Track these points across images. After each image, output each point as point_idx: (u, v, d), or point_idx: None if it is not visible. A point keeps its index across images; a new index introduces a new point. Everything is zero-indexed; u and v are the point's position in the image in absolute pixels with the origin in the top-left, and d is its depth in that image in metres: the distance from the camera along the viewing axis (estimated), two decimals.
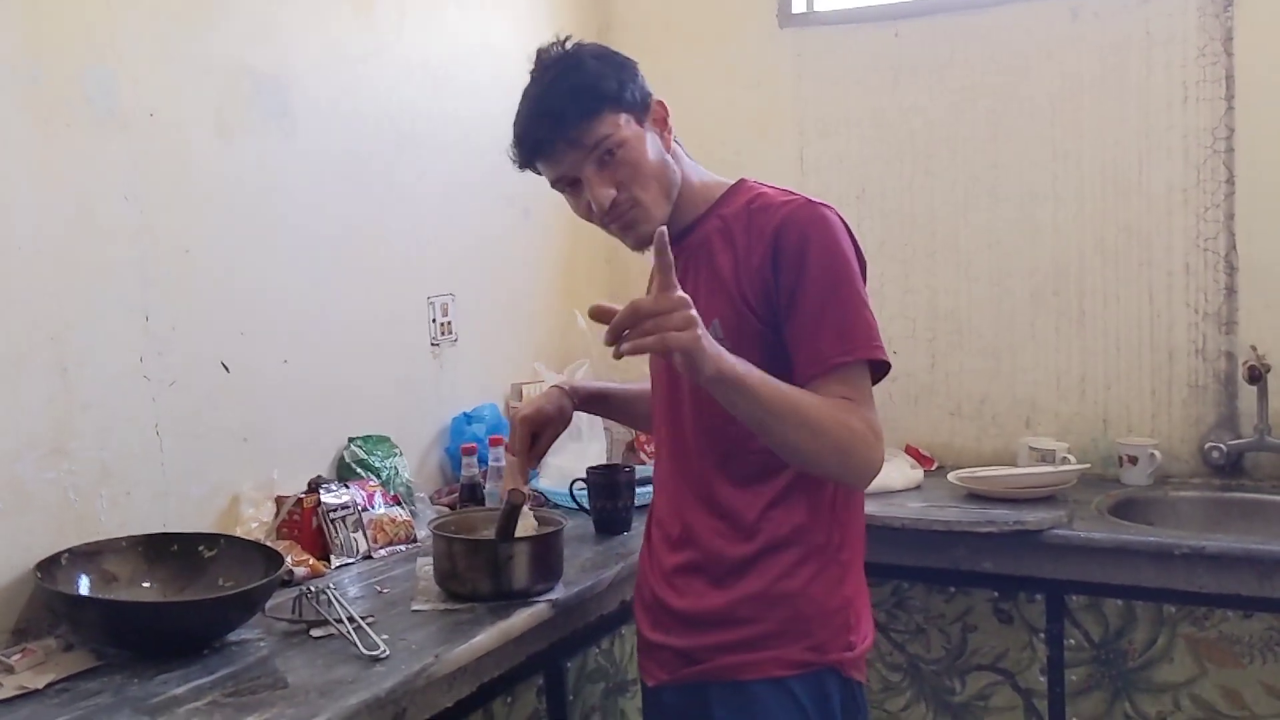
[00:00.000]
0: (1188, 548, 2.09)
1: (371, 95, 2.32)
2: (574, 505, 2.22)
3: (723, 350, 1.32)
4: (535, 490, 2.34)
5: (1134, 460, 2.53)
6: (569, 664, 1.89)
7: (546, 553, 1.78)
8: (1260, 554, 2.05)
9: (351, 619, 1.62)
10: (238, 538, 1.85)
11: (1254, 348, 2.47)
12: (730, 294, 1.47)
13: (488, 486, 2.24)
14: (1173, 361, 2.60)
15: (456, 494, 2.30)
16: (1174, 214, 2.57)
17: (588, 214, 1.52)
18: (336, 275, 2.23)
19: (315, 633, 1.61)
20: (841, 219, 1.48)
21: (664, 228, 1.31)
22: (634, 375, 2.78)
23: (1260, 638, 2.08)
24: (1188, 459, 2.59)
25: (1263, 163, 2.49)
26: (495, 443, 2.31)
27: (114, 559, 1.71)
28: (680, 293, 1.27)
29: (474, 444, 2.27)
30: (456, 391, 2.56)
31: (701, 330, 1.26)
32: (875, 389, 1.46)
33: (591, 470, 2.20)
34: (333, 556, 1.98)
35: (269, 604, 1.65)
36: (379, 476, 2.19)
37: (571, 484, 2.22)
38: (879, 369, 1.46)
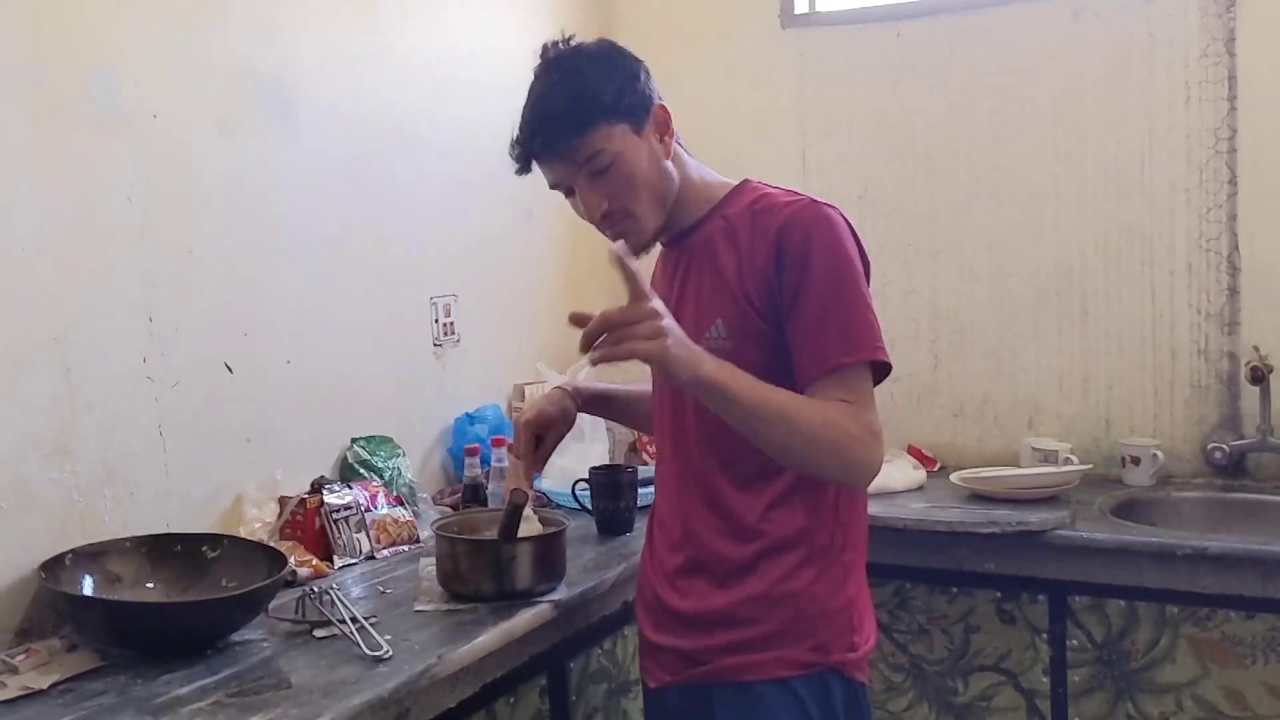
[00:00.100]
0: (1190, 548, 2.09)
1: (373, 96, 2.32)
2: (576, 506, 2.22)
3: (702, 356, 1.33)
4: (538, 491, 2.34)
5: (1136, 461, 2.53)
6: (572, 664, 1.89)
7: (549, 553, 1.78)
8: (1263, 554, 2.05)
9: (354, 619, 1.62)
10: (241, 538, 1.85)
11: (1256, 348, 2.47)
12: (734, 293, 1.47)
13: (490, 487, 2.24)
14: (1175, 362, 2.60)
15: (459, 494, 2.30)
16: (1176, 214, 2.57)
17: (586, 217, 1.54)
18: (339, 276, 2.23)
19: (318, 633, 1.61)
20: (846, 220, 1.48)
21: (623, 243, 1.34)
22: (635, 375, 2.78)
23: (1263, 638, 2.08)
24: (1190, 459, 2.59)
25: (1265, 163, 2.49)
26: (498, 443, 2.31)
27: (117, 559, 1.71)
28: (651, 303, 1.29)
29: (476, 445, 2.27)
30: (459, 392, 2.56)
31: (672, 339, 1.29)
32: (877, 390, 1.46)
33: (594, 471, 2.20)
34: (336, 557, 1.98)
35: (272, 604, 1.65)
36: (382, 477, 2.19)
37: (574, 484, 2.22)
38: (881, 370, 1.46)
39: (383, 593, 1.83)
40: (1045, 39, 2.66)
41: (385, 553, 2.04)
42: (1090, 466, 2.52)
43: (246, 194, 2.03)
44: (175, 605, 1.66)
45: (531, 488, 1.70)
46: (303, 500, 2.01)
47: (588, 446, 2.45)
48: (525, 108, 1.50)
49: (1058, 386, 2.71)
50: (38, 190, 1.68)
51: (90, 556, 1.68)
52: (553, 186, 1.54)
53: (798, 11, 2.94)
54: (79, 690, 1.45)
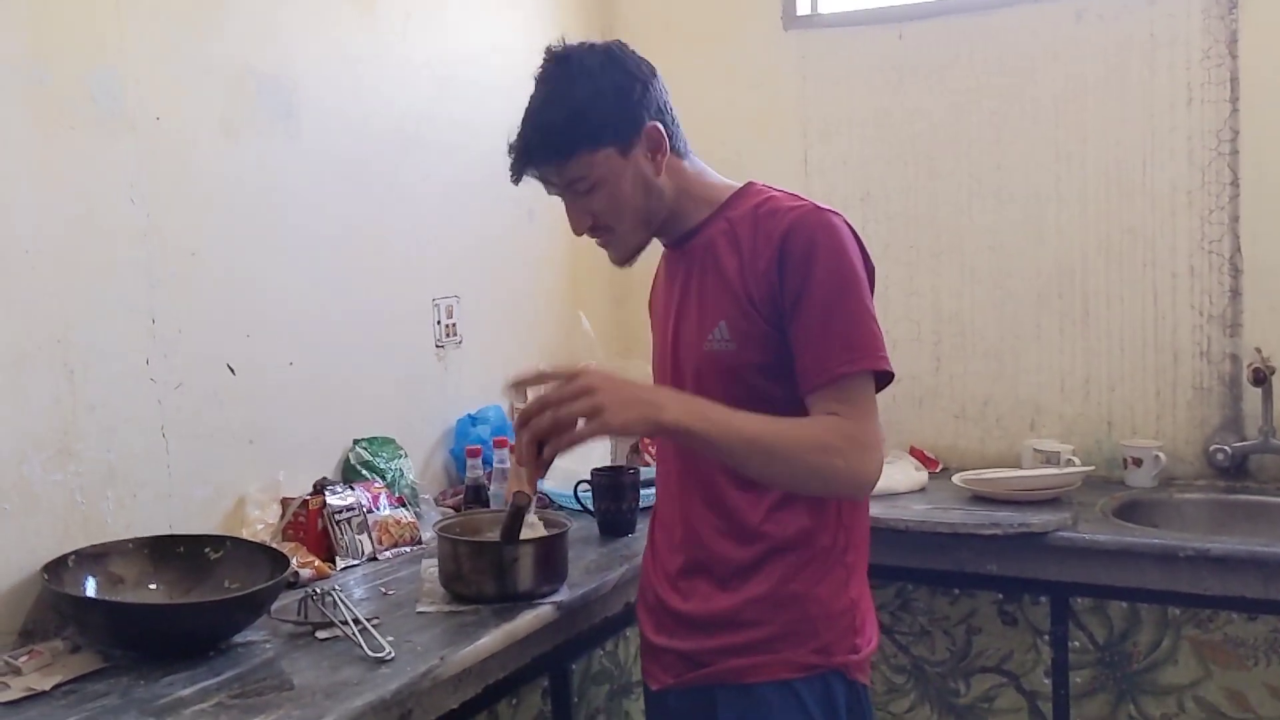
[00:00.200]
0: (1192, 550, 2.09)
1: (375, 96, 2.32)
2: (578, 507, 2.22)
3: (663, 405, 1.36)
4: (540, 492, 2.34)
5: (1138, 462, 2.53)
6: (574, 666, 1.89)
7: (551, 555, 1.78)
8: (1265, 556, 2.05)
9: (357, 621, 1.62)
10: (243, 539, 1.85)
11: (1259, 350, 2.47)
12: (737, 296, 1.47)
13: (492, 488, 2.24)
14: (1177, 363, 2.60)
15: (461, 496, 2.30)
16: (1178, 216, 2.57)
17: None
18: (341, 277, 2.23)
19: (321, 634, 1.61)
20: (849, 226, 1.48)
21: (515, 376, 1.45)
22: (639, 376, 2.78)
23: (1265, 640, 2.08)
24: (1192, 461, 2.59)
25: (1267, 165, 2.49)
26: (500, 444, 2.31)
27: (120, 561, 1.71)
28: (579, 380, 1.33)
29: (479, 446, 2.27)
30: (461, 393, 2.56)
31: (612, 408, 1.32)
32: (878, 393, 1.46)
33: (596, 472, 2.20)
34: (338, 558, 1.98)
35: (274, 606, 1.65)
36: (384, 478, 2.20)
37: (576, 486, 2.22)
38: (884, 378, 1.46)
39: (385, 594, 1.83)
40: (1047, 40, 2.66)
41: (387, 554, 2.05)
42: (1092, 468, 2.52)
43: (248, 195, 2.03)
44: (178, 607, 1.66)
45: (534, 491, 1.70)
46: (305, 501, 2.01)
47: (589, 448, 2.45)
48: (522, 118, 1.51)
49: (1059, 388, 2.71)
50: (39, 191, 1.68)
51: (93, 558, 1.68)
52: (550, 193, 1.56)
53: (800, 13, 2.94)
54: (82, 691, 1.45)
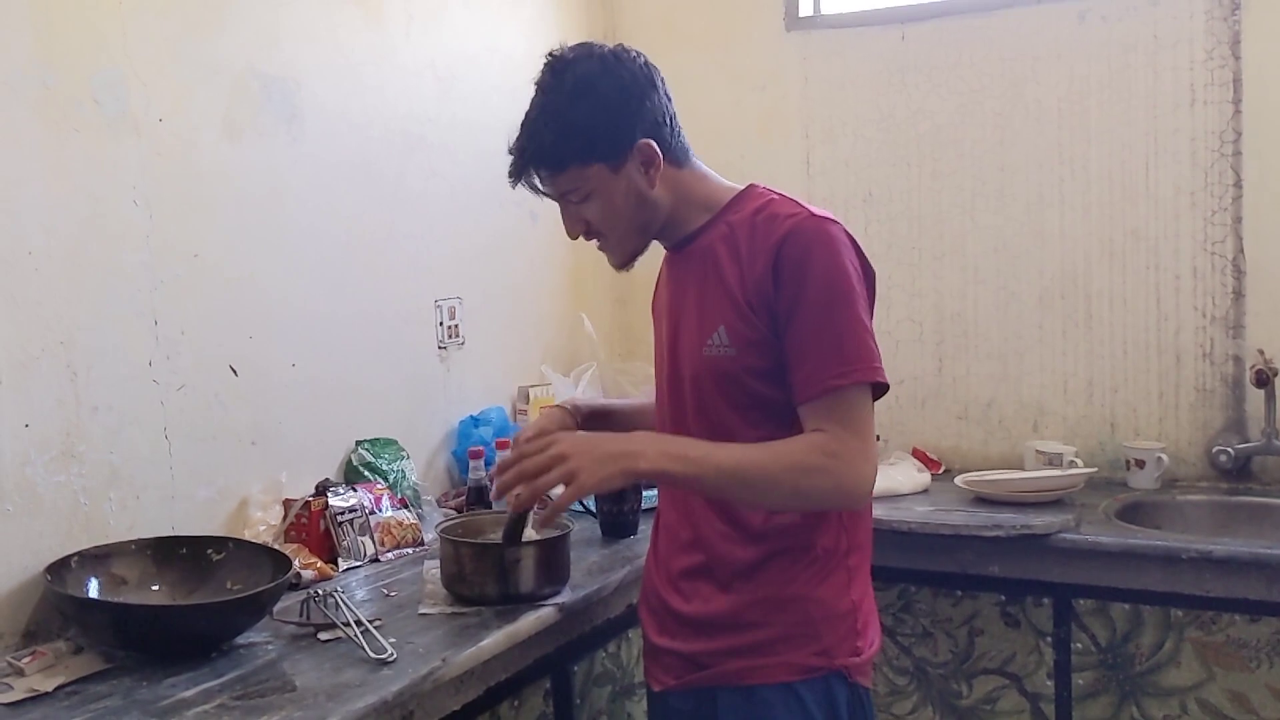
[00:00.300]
0: (1195, 552, 2.09)
1: (378, 98, 2.33)
2: (580, 509, 2.22)
3: (638, 452, 1.39)
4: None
5: (1141, 464, 2.53)
6: (576, 667, 1.89)
7: (553, 556, 1.78)
8: (1268, 558, 2.05)
9: (359, 622, 1.62)
10: (246, 541, 1.86)
11: (1261, 351, 2.46)
12: (736, 301, 1.47)
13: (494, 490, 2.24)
14: (1180, 365, 2.59)
15: (464, 497, 2.30)
16: (1181, 217, 2.57)
17: None
18: (344, 278, 2.24)
19: (323, 636, 1.61)
20: (848, 235, 1.48)
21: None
22: (641, 377, 2.79)
23: (1267, 642, 2.08)
24: (1195, 462, 2.58)
25: (1270, 166, 2.49)
26: (502, 446, 2.31)
27: (123, 562, 1.71)
28: (552, 449, 1.38)
29: (481, 447, 2.27)
30: (464, 394, 2.56)
31: (587, 470, 1.36)
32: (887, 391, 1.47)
33: None
34: (340, 559, 1.99)
35: (277, 607, 1.66)
36: (386, 479, 2.20)
37: None
38: (879, 387, 1.46)
39: (387, 595, 1.83)
40: (1050, 41, 2.66)
41: (390, 555, 2.05)
42: (1095, 470, 2.52)
43: (251, 196, 2.03)
44: (180, 608, 1.66)
45: None
46: (307, 503, 2.01)
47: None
48: (520, 124, 1.53)
49: (1062, 389, 2.71)
50: (44, 193, 1.68)
51: (96, 559, 1.69)
52: (546, 198, 1.58)
53: (802, 14, 2.94)
54: (84, 693, 1.45)
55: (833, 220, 1.47)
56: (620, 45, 1.54)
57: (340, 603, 1.68)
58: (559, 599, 1.77)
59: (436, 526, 1.92)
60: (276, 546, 1.88)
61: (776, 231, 1.45)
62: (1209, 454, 2.54)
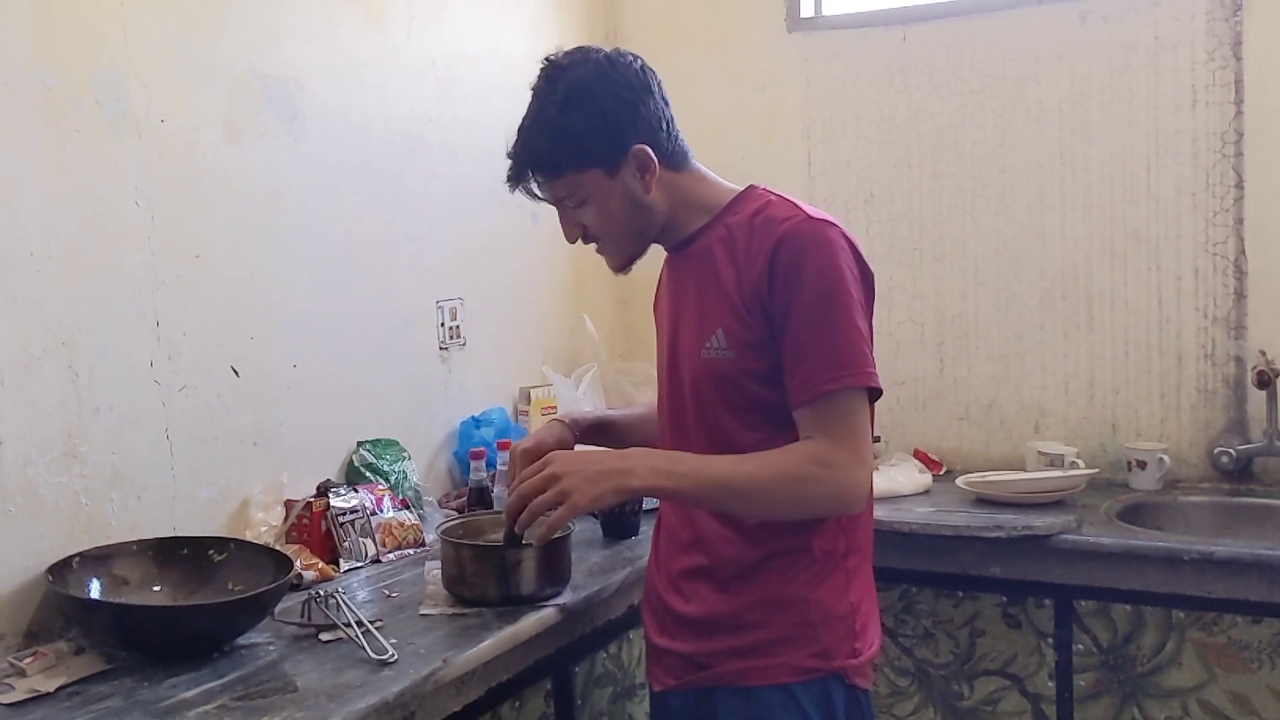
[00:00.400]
0: (1196, 553, 2.09)
1: (379, 99, 2.33)
2: None
3: (630, 469, 1.42)
4: None
5: (1143, 465, 2.53)
6: (577, 668, 1.89)
7: (555, 557, 1.78)
8: (1269, 559, 2.05)
9: (360, 623, 1.62)
10: (247, 541, 1.86)
11: (1263, 352, 2.46)
12: (733, 304, 1.47)
13: (496, 490, 2.24)
14: (1181, 366, 2.59)
15: (465, 498, 2.30)
16: (1182, 218, 2.57)
17: None
18: (345, 279, 2.24)
19: (324, 637, 1.61)
20: (846, 238, 1.47)
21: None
22: (642, 378, 2.79)
23: (1269, 643, 2.08)
24: (1196, 464, 2.58)
25: (1271, 167, 2.49)
26: (503, 446, 2.31)
27: (124, 562, 1.71)
28: (545, 470, 1.42)
29: (482, 448, 2.27)
30: (465, 395, 2.56)
31: (578, 490, 1.40)
32: (882, 394, 1.47)
33: None
34: (341, 560, 1.99)
35: (278, 608, 1.66)
36: (388, 480, 2.20)
37: None
38: (874, 391, 1.45)
39: (388, 596, 1.83)
40: (1051, 42, 2.66)
41: (391, 556, 2.05)
42: (1096, 470, 2.52)
43: (252, 197, 2.03)
44: (182, 608, 1.66)
45: None
46: (309, 504, 2.01)
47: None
48: (516, 131, 1.53)
49: (1064, 390, 2.71)
50: (45, 194, 1.69)
51: (97, 560, 1.69)
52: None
53: (803, 15, 2.94)
54: (86, 693, 1.45)
55: (830, 223, 1.46)
56: (616, 49, 1.54)
57: (341, 603, 1.68)
58: (560, 600, 1.77)
59: (437, 528, 1.92)
60: (278, 547, 1.88)
61: (773, 234, 1.45)
62: (1210, 455, 2.54)
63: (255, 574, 1.71)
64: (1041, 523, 2.22)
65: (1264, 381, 2.43)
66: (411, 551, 2.08)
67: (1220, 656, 2.11)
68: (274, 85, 2.07)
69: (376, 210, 2.32)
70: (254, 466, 2.03)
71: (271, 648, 1.60)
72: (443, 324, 2.51)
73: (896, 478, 2.51)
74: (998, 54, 2.71)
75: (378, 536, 2.05)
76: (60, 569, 1.63)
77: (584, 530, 2.13)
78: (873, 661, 1.54)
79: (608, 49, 1.54)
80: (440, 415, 2.50)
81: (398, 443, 2.31)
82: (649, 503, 2.16)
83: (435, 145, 2.47)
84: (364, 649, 1.54)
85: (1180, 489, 2.54)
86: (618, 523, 2.16)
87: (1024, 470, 2.60)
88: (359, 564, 2.00)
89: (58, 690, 1.46)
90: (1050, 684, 2.26)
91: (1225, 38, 2.50)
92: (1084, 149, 2.65)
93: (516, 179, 1.54)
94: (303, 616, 1.66)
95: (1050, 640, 2.25)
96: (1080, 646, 2.22)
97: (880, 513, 1.90)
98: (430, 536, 2.11)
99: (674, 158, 1.53)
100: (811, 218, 1.46)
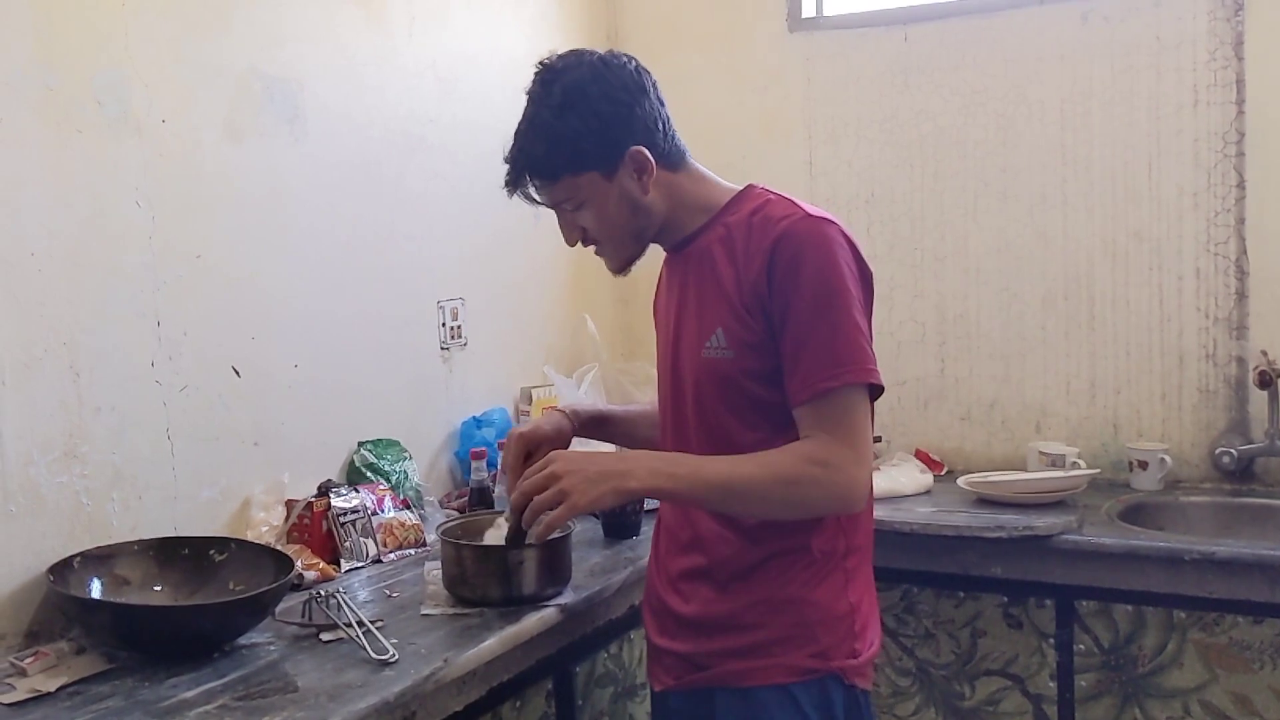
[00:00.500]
0: (1198, 553, 2.08)
1: (380, 99, 2.33)
2: None
3: (629, 471, 1.43)
4: None
5: (1144, 465, 2.53)
6: (578, 668, 1.89)
7: (555, 558, 1.78)
8: (1271, 559, 2.04)
9: (361, 623, 1.62)
10: (248, 541, 1.86)
11: (1264, 353, 2.46)
12: (733, 304, 1.47)
13: (497, 490, 2.24)
14: (1183, 366, 2.59)
15: (466, 498, 2.30)
16: (1184, 218, 2.57)
17: None
18: (346, 279, 2.24)
19: (325, 636, 1.61)
20: (845, 235, 1.47)
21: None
22: (643, 378, 2.79)
23: (1270, 643, 2.08)
24: (1198, 464, 2.58)
25: (1273, 167, 2.48)
26: (504, 447, 2.30)
27: (125, 562, 1.71)
28: (546, 469, 1.43)
29: (484, 448, 2.27)
30: (466, 395, 2.56)
31: (577, 490, 1.40)
32: (883, 393, 1.47)
33: None
34: (342, 560, 1.99)
35: (279, 608, 1.66)
36: (389, 480, 2.20)
37: None
38: (875, 389, 1.45)
39: (389, 596, 1.83)
40: (1053, 42, 2.66)
41: (392, 556, 2.05)
42: (1098, 471, 2.52)
43: (253, 197, 2.03)
44: (182, 608, 1.66)
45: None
46: (310, 504, 2.01)
47: (594, 449, 2.45)
48: (513, 136, 1.53)
49: (1065, 390, 2.71)
50: (46, 194, 1.69)
51: (98, 559, 1.69)
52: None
53: (805, 15, 2.94)
54: (86, 693, 1.45)
55: (829, 220, 1.46)
56: (610, 51, 1.54)
57: (342, 603, 1.68)
58: (561, 600, 1.77)
59: (437, 528, 1.92)
60: (279, 547, 1.88)
61: (771, 233, 1.44)
62: (1212, 455, 2.54)
63: (256, 574, 1.71)
64: (1043, 523, 2.22)
65: (1265, 382, 2.43)
66: (413, 551, 2.08)
67: (1222, 657, 2.11)
68: (275, 85, 2.07)
69: (377, 210, 2.32)
70: (255, 466, 2.03)
71: (272, 648, 1.60)
72: (444, 324, 2.51)
73: (898, 478, 2.51)
74: (999, 54, 2.71)
75: (379, 536, 2.05)
76: (61, 569, 1.63)
77: (585, 530, 2.13)
78: (873, 662, 1.54)
79: (602, 51, 1.53)
80: (441, 415, 2.50)
81: (399, 443, 2.31)
82: (650, 503, 2.16)
83: (436, 145, 2.48)
84: (365, 649, 1.54)
85: (1182, 489, 2.54)
86: (619, 523, 2.16)
87: (1025, 470, 2.60)
88: (360, 564, 2.00)
89: (59, 690, 1.46)
90: (1051, 684, 2.25)
91: (1227, 38, 2.50)
92: (1085, 149, 2.65)
93: (514, 184, 1.54)
94: (303, 616, 1.66)
95: (1051, 640, 2.25)
96: (1081, 647, 2.22)
97: (881, 513, 1.90)
98: (431, 536, 2.11)
99: (671, 158, 1.53)
100: (810, 215, 1.45)
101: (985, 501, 2.40)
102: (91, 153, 1.75)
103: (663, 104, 1.53)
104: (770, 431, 1.46)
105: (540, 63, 1.52)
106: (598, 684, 1.95)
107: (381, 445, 2.27)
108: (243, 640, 1.61)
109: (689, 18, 3.05)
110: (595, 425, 1.80)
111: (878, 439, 2.52)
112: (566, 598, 1.78)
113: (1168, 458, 2.52)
